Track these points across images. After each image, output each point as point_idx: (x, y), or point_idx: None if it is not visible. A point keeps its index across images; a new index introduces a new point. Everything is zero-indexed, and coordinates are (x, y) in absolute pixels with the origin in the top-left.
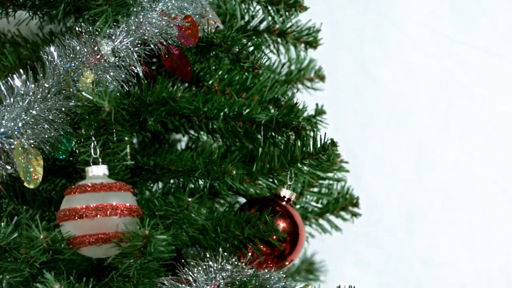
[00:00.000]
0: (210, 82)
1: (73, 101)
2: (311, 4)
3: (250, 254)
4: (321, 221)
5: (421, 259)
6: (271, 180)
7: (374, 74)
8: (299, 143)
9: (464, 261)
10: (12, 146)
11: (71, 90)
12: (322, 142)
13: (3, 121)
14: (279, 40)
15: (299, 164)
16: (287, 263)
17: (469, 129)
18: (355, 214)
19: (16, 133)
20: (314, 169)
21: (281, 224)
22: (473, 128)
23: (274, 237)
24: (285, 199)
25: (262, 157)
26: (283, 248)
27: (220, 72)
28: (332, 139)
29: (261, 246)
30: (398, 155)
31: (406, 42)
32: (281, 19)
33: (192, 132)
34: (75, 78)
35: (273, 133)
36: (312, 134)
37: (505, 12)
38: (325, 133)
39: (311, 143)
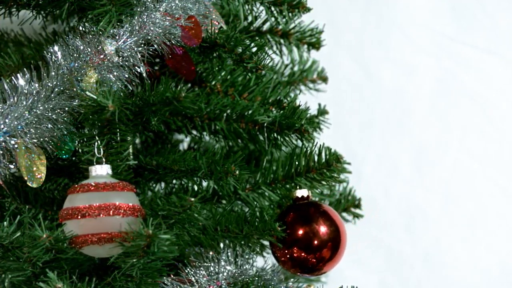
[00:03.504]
0: (213, 83)
1: (77, 100)
2: (312, 5)
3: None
4: None
5: (422, 259)
6: (273, 190)
7: (374, 74)
8: (304, 155)
9: (464, 261)
10: (16, 145)
11: (74, 89)
12: (327, 157)
13: (7, 120)
14: (282, 41)
15: (303, 178)
16: (326, 269)
17: (469, 129)
18: (357, 216)
19: (19, 132)
20: (317, 183)
21: (322, 229)
22: (473, 128)
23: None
24: (304, 198)
25: (266, 166)
26: (324, 254)
27: (223, 73)
28: (337, 155)
29: (301, 253)
30: (398, 155)
31: (406, 42)
32: (284, 20)
33: (194, 132)
34: (79, 78)
35: (275, 135)
36: (318, 144)
37: (506, 12)
38: (331, 148)
39: (316, 156)
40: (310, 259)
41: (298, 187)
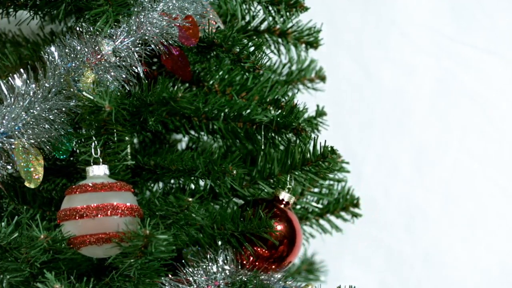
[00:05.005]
0: (211, 82)
1: (74, 101)
2: (311, 4)
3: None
4: (321, 221)
5: (422, 259)
6: (270, 185)
7: (374, 74)
8: (299, 148)
9: (464, 261)
10: (13, 146)
11: (71, 90)
12: (322, 149)
13: (4, 121)
14: (280, 40)
15: (299, 171)
16: (285, 265)
17: (469, 129)
18: (355, 215)
19: (16, 133)
20: (314, 175)
21: (279, 227)
22: (473, 128)
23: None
24: (284, 202)
25: (262, 161)
26: (280, 250)
27: (220, 73)
28: (332, 147)
29: (259, 249)
30: (398, 155)
31: (406, 42)
32: (282, 19)
33: (192, 132)
34: (76, 78)
35: (273, 134)
36: (313, 138)
37: (505, 12)
38: (325, 140)
39: (311, 148)
40: (269, 254)
41: (285, 190)
